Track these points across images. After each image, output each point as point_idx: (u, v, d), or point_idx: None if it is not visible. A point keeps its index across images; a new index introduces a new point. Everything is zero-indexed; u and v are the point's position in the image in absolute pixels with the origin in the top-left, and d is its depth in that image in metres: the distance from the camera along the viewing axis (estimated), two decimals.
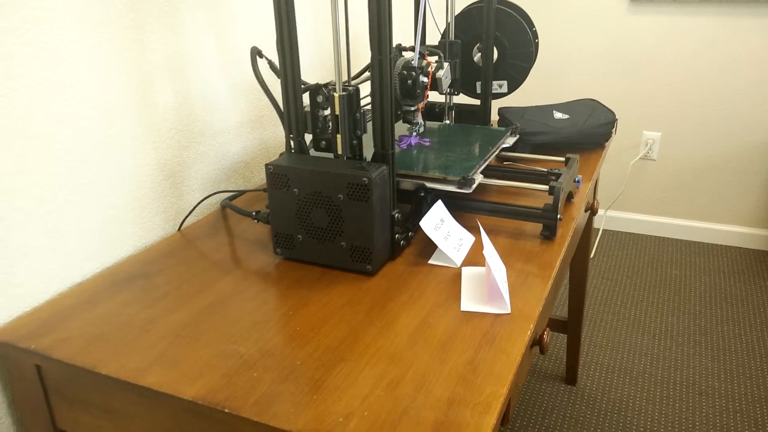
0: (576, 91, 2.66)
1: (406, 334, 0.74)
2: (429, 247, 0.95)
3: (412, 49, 1.07)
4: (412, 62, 1.04)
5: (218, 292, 0.84)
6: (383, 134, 0.86)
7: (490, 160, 1.04)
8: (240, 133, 1.17)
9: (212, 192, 1.13)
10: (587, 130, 1.34)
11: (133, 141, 0.95)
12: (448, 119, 1.29)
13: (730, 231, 2.60)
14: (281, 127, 1.29)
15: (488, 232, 0.99)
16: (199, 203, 1.05)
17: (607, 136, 1.37)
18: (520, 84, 1.30)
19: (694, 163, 2.58)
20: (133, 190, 0.96)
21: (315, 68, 1.41)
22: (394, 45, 2.00)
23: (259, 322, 0.77)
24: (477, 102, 1.30)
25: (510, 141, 1.14)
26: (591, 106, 1.43)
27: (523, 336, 0.73)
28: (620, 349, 1.95)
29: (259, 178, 1.25)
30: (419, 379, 0.66)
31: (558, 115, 1.37)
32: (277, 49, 0.87)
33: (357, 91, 0.88)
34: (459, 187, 0.93)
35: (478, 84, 1.31)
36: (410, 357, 0.70)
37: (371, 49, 0.81)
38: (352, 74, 1.09)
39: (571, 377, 1.81)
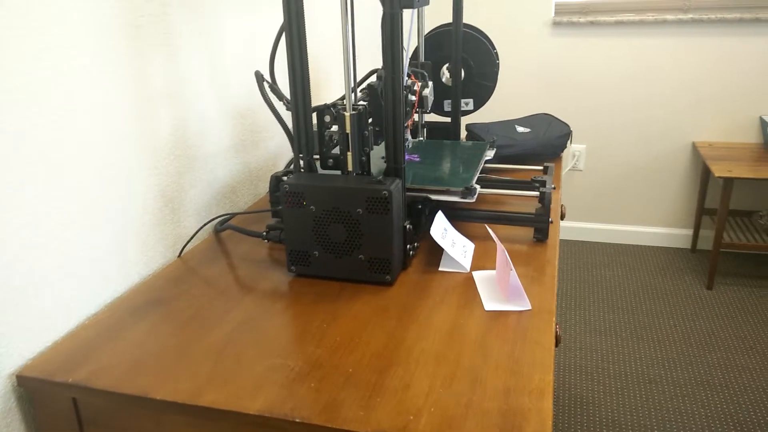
0: (510, 109, 2.82)
1: (442, 335, 0.78)
2: (433, 255, 1.00)
3: None
4: None
5: (243, 312, 0.85)
6: (396, 149, 0.90)
7: (479, 171, 1.11)
8: (227, 157, 1.18)
9: (213, 217, 1.12)
10: (546, 142, 1.45)
11: (137, 167, 0.94)
12: (421, 136, 1.35)
13: (653, 232, 2.82)
14: (261, 150, 1.31)
15: (481, 239, 1.05)
16: (200, 228, 1.04)
17: (563, 146, 1.48)
18: (485, 102, 1.39)
19: (616, 171, 2.79)
20: (138, 216, 0.95)
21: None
22: (371, 68, 2.06)
23: (296, 336, 0.79)
24: (444, 119, 1.37)
25: (490, 154, 1.21)
26: (547, 120, 1.53)
27: (550, 327, 0.79)
28: (571, 348, 2.07)
29: (244, 202, 1.26)
30: (470, 374, 0.71)
31: (520, 128, 1.47)
32: (288, 74, 0.90)
33: (365, 109, 0.92)
34: (462, 197, 0.99)
35: (446, 102, 1.39)
36: (454, 355, 0.74)
37: (384, 69, 0.86)
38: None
39: None
